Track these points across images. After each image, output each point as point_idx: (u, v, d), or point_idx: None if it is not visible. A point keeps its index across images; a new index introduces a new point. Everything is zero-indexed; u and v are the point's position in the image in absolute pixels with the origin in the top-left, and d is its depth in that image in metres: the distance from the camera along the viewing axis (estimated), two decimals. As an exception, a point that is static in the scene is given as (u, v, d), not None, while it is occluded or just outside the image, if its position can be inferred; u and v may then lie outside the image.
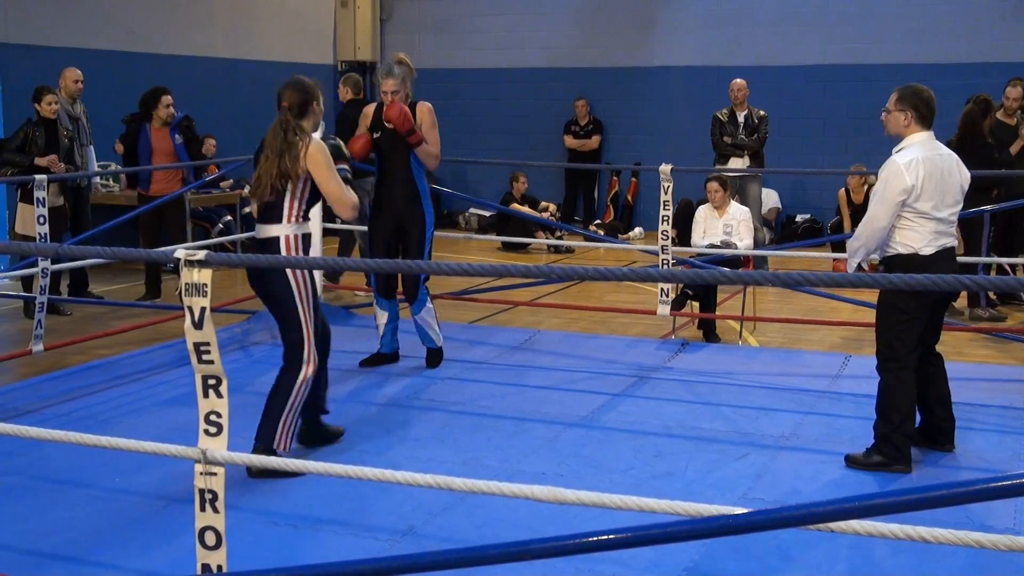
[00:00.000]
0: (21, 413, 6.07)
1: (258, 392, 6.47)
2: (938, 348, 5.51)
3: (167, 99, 9.68)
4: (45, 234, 6.99)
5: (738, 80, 11.48)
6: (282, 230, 5.16)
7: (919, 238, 5.14)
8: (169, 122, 9.70)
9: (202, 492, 3.23)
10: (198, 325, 3.20)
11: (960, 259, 7.24)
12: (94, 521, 4.59)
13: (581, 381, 6.93)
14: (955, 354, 7.49)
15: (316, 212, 7.48)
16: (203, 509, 3.23)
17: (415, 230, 6.80)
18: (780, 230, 14.18)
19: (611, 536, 2.51)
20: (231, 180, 12.51)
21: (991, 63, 12.83)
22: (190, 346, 3.23)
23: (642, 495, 2.88)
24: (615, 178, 15.26)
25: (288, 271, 5.03)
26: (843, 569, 4.21)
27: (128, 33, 12.05)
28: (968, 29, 13.40)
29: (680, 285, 8.14)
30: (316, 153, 5.11)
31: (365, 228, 7.66)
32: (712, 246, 8.42)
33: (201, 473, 3.23)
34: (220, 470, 3.23)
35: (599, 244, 12.62)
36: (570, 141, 15.02)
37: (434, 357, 7.26)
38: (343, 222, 8.63)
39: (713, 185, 8.56)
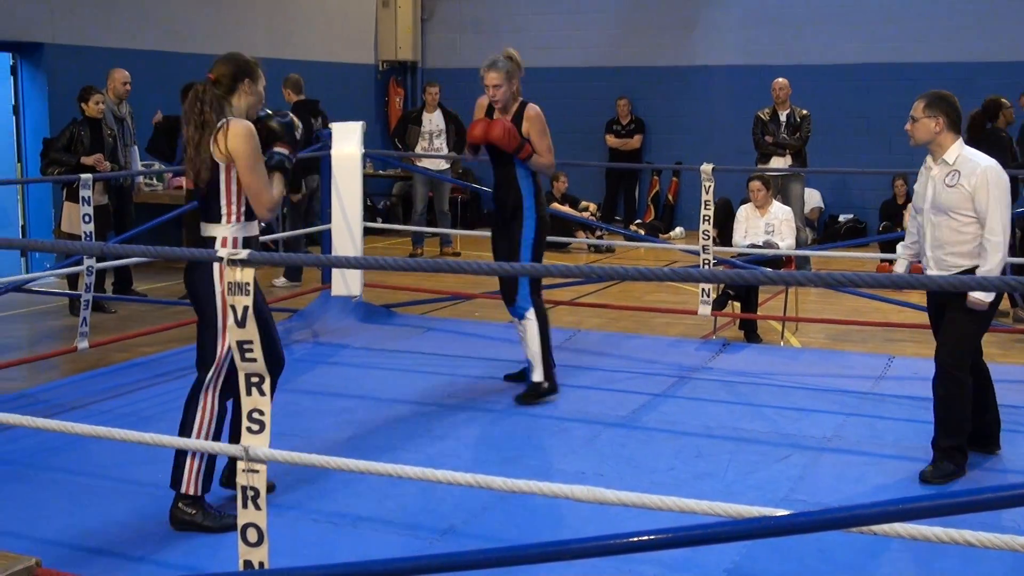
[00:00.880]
0: (66, 409, 6.13)
1: (300, 390, 6.54)
2: (986, 349, 5.46)
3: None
4: (90, 232, 7.06)
5: (780, 79, 11.41)
6: (220, 231, 4.45)
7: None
8: None
9: (244, 489, 3.25)
10: (241, 323, 3.22)
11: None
12: (137, 517, 4.63)
13: (621, 381, 6.91)
14: (1000, 356, 7.41)
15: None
16: (245, 506, 3.25)
17: (515, 235, 6.33)
18: (822, 230, 14.08)
19: (651, 536, 2.50)
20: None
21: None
22: (233, 344, 3.25)
23: (682, 496, 2.87)
24: (656, 178, 15.21)
25: (216, 279, 4.38)
26: (886, 572, 4.18)
27: (170, 33, 12.16)
28: (1010, 27, 13.24)
29: (721, 285, 8.10)
30: (237, 135, 4.32)
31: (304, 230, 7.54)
32: (754, 246, 8.38)
33: (243, 470, 3.25)
34: (262, 467, 3.25)
35: (640, 244, 12.58)
36: (612, 140, 14.98)
37: (529, 392, 6.38)
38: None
39: (755, 184, 8.51)
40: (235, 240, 4.43)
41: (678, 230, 14.82)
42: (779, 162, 11.12)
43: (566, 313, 9.18)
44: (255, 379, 3.28)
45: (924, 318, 8.53)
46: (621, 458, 5.44)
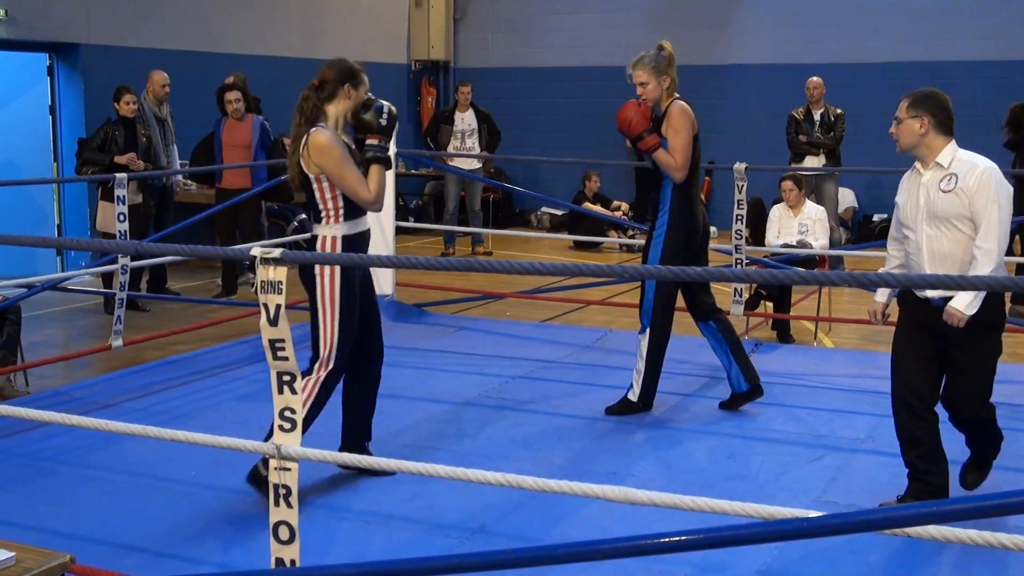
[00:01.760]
0: (100, 407, 6.18)
1: (331, 389, 6.55)
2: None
3: (230, 95, 9.72)
4: (125, 231, 7.11)
5: (814, 78, 11.33)
6: (320, 230, 4.78)
7: (1002, 265, 4.50)
8: (236, 117, 9.71)
9: (276, 487, 3.26)
10: (273, 322, 3.23)
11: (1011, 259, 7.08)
12: (170, 514, 4.66)
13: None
14: (1010, 355, 7.33)
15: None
16: (277, 504, 3.26)
17: (649, 234, 6.06)
18: (856, 230, 13.98)
19: (682, 537, 2.49)
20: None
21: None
22: (265, 343, 3.26)
23: (714, 496, 2.86)
24: (688, 177, 15.16)
25: (316, 271, 4.71)
26: (922, 575, 4.14)
27: (205, 33, 12.23)
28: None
29: (754, 285, 8.06)
30: (320, 147, 4.62)
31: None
32: (787, 245, 8.33)
33: (275, 468, 3.26)
34: (294, 465, 3.26)
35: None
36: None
37: (619, 405, 6.14)
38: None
39: (788, 184, 8.46)
40: (334, 239, 4.74)
41: (711, 230, 14.74)
42: (813, 161, 11.05)
43: (598, 313, 9.16)
44: (286, 377, 3.29)
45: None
46: (652, 458, 5.43)
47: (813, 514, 2.58)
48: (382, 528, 4.53)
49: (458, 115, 12.75)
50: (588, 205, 13.49)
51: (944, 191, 4.40)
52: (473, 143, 12.67)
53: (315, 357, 4.82)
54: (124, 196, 7.14)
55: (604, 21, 15.44)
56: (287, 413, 3.30)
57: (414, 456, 5.08)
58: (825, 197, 10.86)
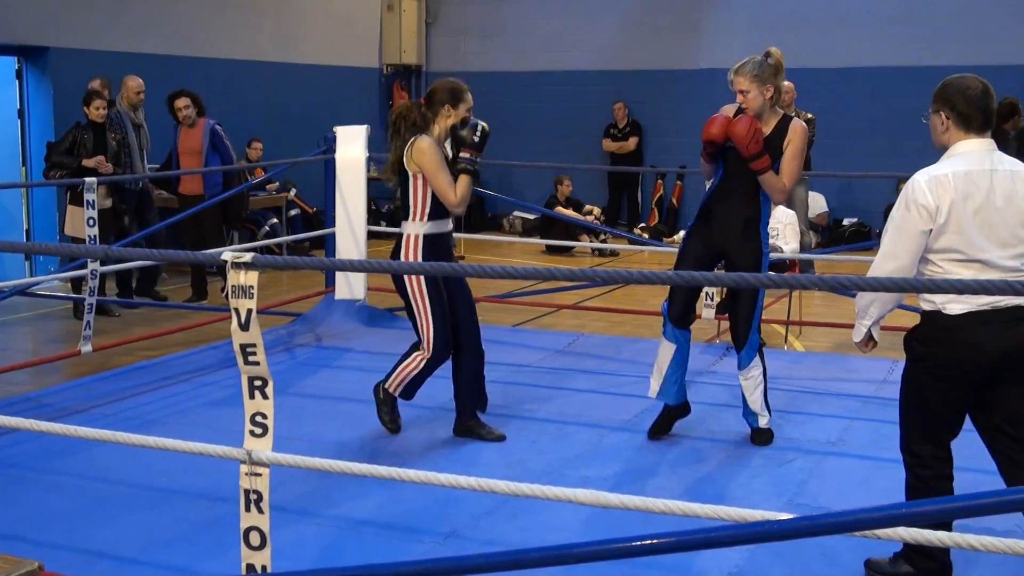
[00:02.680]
0: (70, 413, 6.14)
1: (303, 394, 6.54)
2: None
3: (179, 102, 9.76)
4: (94, 236, 7.07)
5: (786, 82, 11.33)
6: (407, 228, 5.51)
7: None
8: (188, 124, 9.75)
9: (247, 492, 3.25)
10: (244, 327, 3.22)
11: None
12: (141, 520, 4.63)
13: (625, 385, 6.90)
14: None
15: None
16: (248, 509, 3.25)
17: (746, 267, 5.52)
18: (827, 234, 14.07)
19: (654, 541, 2.50)
20: (277, 183, 12.60)
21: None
22: (236, 348, 3.25)
23: (686, 500, 2.87)
24: (660, 181, 15.21)
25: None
26: (890, 576, 4.16)
27: (176, 37, 12.17)
28: (1020, 30, 13.22)
29: (725, 289, 8.09)
30: (422, 150, 5.39)
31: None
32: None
33: (246, 474, 3.24)
34: (265, 471, 3.25)
35: (643, 247, 12.58)
36: (608, 144, 14.98)
37: (759, 436, 5.74)
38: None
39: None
40: (417, 236, 5.45)
41: (682, 234, 14.75)
42: (783, 166, 11.09)
43: (570, 317, 9.17)
44: (258, 382, 3.28)
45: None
46: (624, 462, 5.44)
47: (784, 517, 2.59)
48: (354, 533, 4.52)
49: (430, 119, 12.73)
50: (560, 209, 13.51)
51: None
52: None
53: (417, 344, 5.61)
54: (93, 200, 7.09)
55: (576, 26, 15.47)
56: (258, 418, 3.29)
57: (386, 461, 5.07)
58: (796, 201, 10.89)
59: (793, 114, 11.09)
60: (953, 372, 3.80)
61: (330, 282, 8.61)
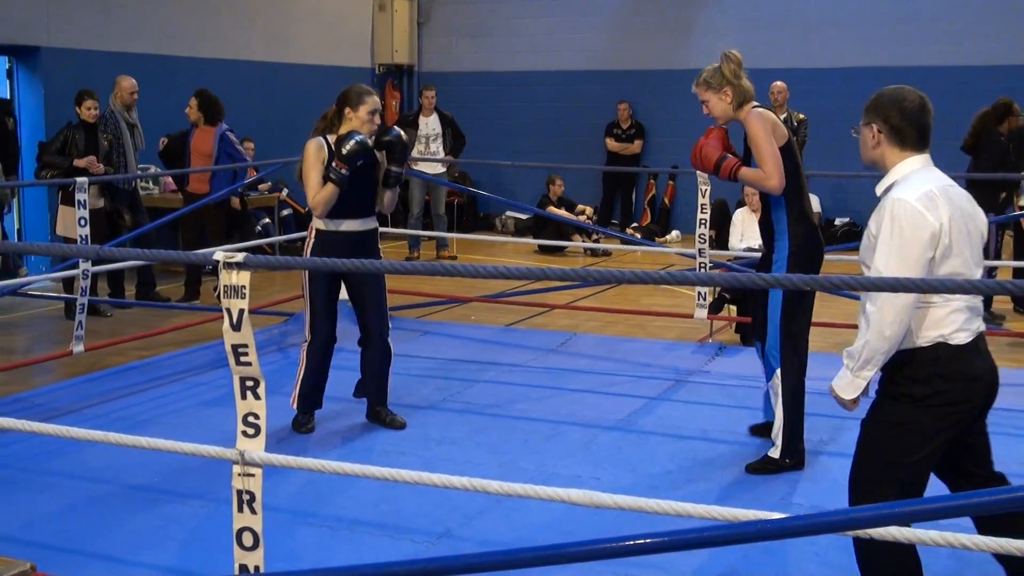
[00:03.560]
0: (62, 413, 6.13)
1: (295, 394, 6.51)
2: None
3: (190, 101, 9.80)
4: (86, 236, 7.05)
5: (778, 83, 11.40)
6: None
7: (946, 318, 3.31)
8: (197, 123, 9.75)
9: (240, 493, 3.24)
10: (236, 327, 3.21)
11: None
12: (133, 521, 4.62)
13: (617, 384, 6.91)
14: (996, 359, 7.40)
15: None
16: (241, 510, 3.25)
17: (768, 259, 5.34)
18: (819, 234, 14.07)
19: (647, 540, 2.50)
20: (269, 183, 12.58)
21: (1033, 65, 12.71)
22: (228, 348, 3.25)
23: (679, 499, 2.87)
24: (652, 181, 15.22)
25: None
26: None
27: (167, 37, 12.15)
28: (1007, 30, 13.25)
29: (717, 289, 8.10)
30: (305, 150, 5.76)
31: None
32: (750, 249, 8.38)
33: (239, 474, 3.24)
34: (258, 471, 3.24)
35: (636, 247, 12.59)
36: (612, 144, 14.95)
37: (760, 464, 5.30)
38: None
39: (751, 188, 8.50)
40: (311, 230, 5.92)
41: (674, 233, 14.82)
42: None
43: (562, 316, 9.17)
44: (250, 383, 3.27)
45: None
46: (617, 462, 5.44)
47: (776, 516, 2.59)
48: (347, 533, 4.52)
49: (422, 119, 12.74)
50: (552, 209, 13.51)
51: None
52: (437, 147, 12.66)
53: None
54: (85, 200, 7.07)
55: (568, 26, 15.47)
56: (250, 419, 3.28)
57: (379, 461, 5.07)
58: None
59: (785, 115, 11.21)
60: (961, 408, 3.35)
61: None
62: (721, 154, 5.35)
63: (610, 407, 6.37)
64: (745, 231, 8.53)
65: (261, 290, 10.04)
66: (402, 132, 6.04)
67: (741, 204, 8.90)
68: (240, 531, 3.26)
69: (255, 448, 3.25)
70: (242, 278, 3.19)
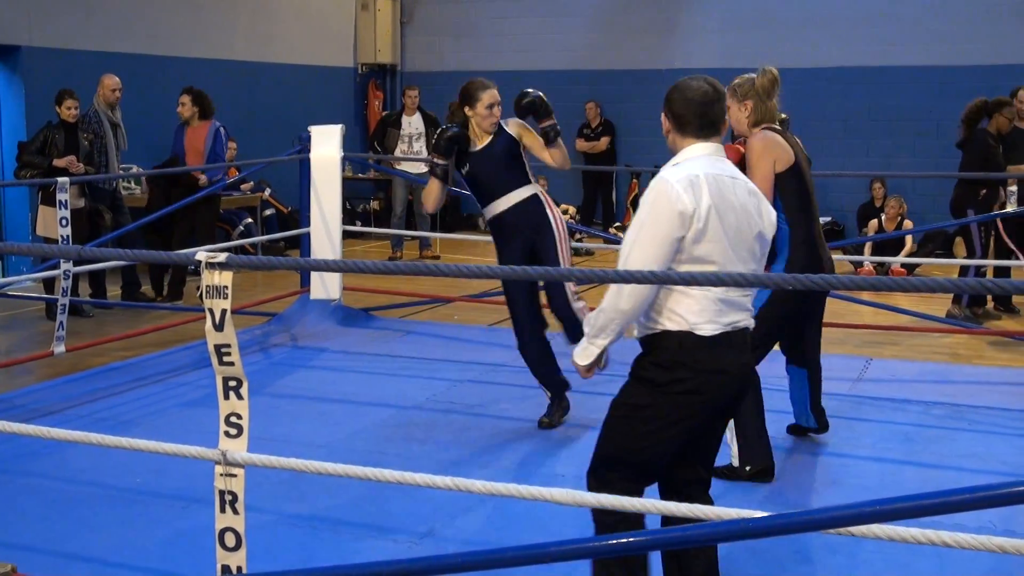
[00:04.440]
0: (43, 414, 6.10)
1: (278, 394, 6.51)
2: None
3: (181, 99, 9.81)
4: (67, 236, 7.02)
5: (760, 82, 11.42)
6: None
7: (695, 306, 3.29)
8: (190, 121, 9.76)
9: (222, 493, 3.23)
10: (219, 327, 3.21)
11: (954, 261, 6.92)
12: (115, 522, 4.60)
13: (600, 383, 6.86)
14: (976, 358, 7.44)
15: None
16: (223, 510, 3.24)
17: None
18: (800, 233, 14.11)
19: (631, 539, 2.51)
20: (251, 183, 12.56)
21: (1014, 64, 12.75)
22: (211, 348, 3.24)
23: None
24: (635, 180, 15.24)
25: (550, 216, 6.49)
26: (863, 574, 4.19)
27: (149, 37, 12.11)
28: (988, 31, 13.31)
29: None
30: None
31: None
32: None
33: (221, 475, 3.23)
34: (240, 472, 3.24)
35: (618, 246, 12.59)
36: (581, 144, 14.98)
37: (726, 470, 5.11)
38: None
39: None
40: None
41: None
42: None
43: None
44: (232, 383, 3.27)
45: (902, 320, 8.56)
46: (600, 461, 5.44)
47: (758, 515, 2.60)
48: (330, 533, 4.51)
49: (405, 119, 12.74)
50: (535, 209, 13.49)
51: None
52: (420, 147, 12.66)
53: None
54: (66, 200, 7.04)
55: (552, 25, 15.48)
56: (233, 419, 3.28)
57: (362, 461, 5.05)
58: (769, 201, 10.95)
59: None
60: (703, 399, 3.32)
61: (305, 282, 8.59)
62: None
63: (593, 406, 6.35)
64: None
65: (243, 290, 10.01)
66: (535, 93, 6.27)
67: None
68: (222, 531, 3.25)
69: (237, 448, 3.25)
70: (224, 278, 3.19)
